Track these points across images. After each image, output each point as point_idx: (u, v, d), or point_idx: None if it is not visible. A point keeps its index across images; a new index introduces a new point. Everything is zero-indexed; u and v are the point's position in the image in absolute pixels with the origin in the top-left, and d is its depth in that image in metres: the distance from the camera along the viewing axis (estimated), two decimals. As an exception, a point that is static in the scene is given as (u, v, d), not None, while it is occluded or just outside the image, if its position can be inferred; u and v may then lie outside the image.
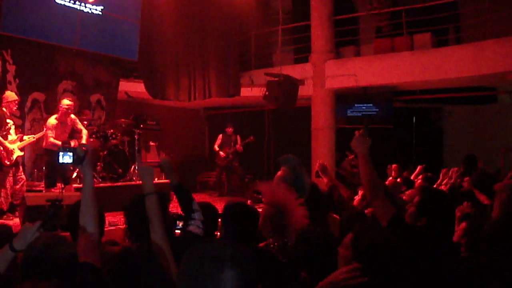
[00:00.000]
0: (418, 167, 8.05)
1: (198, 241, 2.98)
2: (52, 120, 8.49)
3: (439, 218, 3.13)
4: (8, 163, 7.60)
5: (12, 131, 7.84)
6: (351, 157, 10.34)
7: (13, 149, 7.68)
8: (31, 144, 8.60)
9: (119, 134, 10.24)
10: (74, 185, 8.74)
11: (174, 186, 3.32)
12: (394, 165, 8.57)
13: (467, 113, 14.43)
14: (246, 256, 1.48)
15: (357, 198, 5.31)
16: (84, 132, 8.90)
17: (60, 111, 8.56)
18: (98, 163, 9.58)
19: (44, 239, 2.38)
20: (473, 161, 7.54)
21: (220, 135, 12.19)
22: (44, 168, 8.77)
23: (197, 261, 1.46)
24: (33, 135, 8.27)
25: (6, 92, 8.04)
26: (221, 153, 11.97)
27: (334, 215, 4.65)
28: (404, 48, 11.08)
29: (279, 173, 4.43)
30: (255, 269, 1.48)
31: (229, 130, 12.12)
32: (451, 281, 2.59)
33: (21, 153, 7.96)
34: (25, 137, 8.07)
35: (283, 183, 4.12)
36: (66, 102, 8.65)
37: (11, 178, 7.72)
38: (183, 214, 3.31)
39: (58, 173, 8.46)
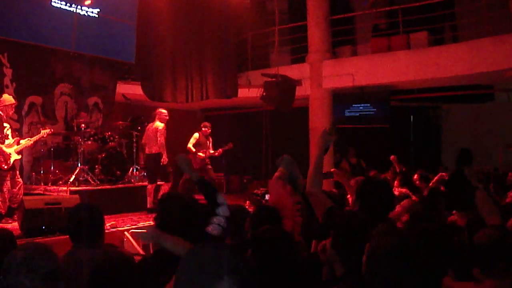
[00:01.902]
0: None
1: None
2: (162, 126, 9.47)
3: (371, 204, 3.23)
4: (5, 167, 7.56)
5: (9, 135, 7.80)
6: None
7: (10, 153, 7.65)
8: (29, 147, 8.58)
9: (117, 137, 10.25)
10: (72, 188, 8.76)
11: (197, 180, 3.31)
12: (392, 156, 8.72)
13: (464, 111, 14.47)
14: (244, 264, 1.44)
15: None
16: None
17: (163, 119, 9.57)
18: (97, 166, 9.58)
19: (25, 249, 2.34)
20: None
21: (197, 134, 10.83)
22: (150, 166, 9.60)
23: (193, 268, 1.41)
24: (29, 138, 8.23)
25: (3, 96, 7.99)
26: (200, 154, 10.59)
27: None
28: (401, 47, 11.07)
29: (276, 173, 4.52)
30: (254, 277, 1.43)
31: (206, 130, 10.96)
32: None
33: (19, 157, 7.91)
34: (21, 141, 8.03)
35: (287, 185, 4.26)
36: (164, 111, 9.68)
37: (9, 182, 7.67)
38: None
39: (159, 172, 9.45)
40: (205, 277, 1.38)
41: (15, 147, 7.78)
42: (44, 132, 8.32)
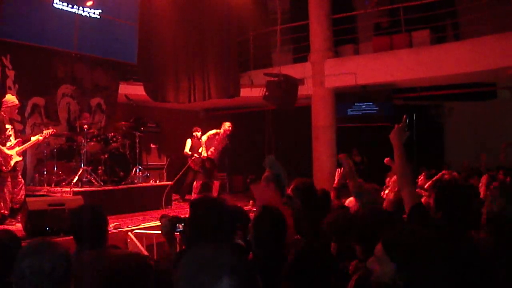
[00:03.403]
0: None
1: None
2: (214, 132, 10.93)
3: (453, 211, 3.16)
4: (5, 169, 7.56)
5: (11, 136, 7.80)
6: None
7: (12, 154, 7.65)
8: (33, 148, 8.59)
9: (119, 137, 10.24)
10: (75, 189, 8.76)
11: None
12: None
13: (467, 109, 14.45)
14: (245, 264, 1.45)
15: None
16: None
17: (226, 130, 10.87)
18: (100, 166, 9.59)
19: (35, 246, 2.33)
20: None
21: (190, 140, 11.32)
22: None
23: (194, 268, 1.41)
24: (32, 137, 8.23)
25: (6, 96, 7.96)
26: (196, 155, 10.97)
27: None
28: (403, 45, 11.07)
29: (264, 174, 4.68)
30: (255, 278, 1.43)
31: (196, 135, 11.33)
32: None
33: (20, 158, 7.89)
34: (24, 144, 8.03)
35: (271, 183, 4.40)
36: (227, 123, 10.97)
37: (10, 183, 7.67)
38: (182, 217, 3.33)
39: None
40: (205, 277, 1.38)
41: (17, 148, 7.78)
42: (47, 132, 8.33)
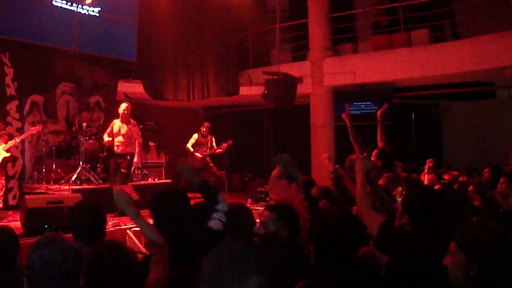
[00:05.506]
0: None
1: (219, 237, 3.00)
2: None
3: (420, 215, 2.93)
4: None
5: None
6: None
7: None
8: (31, 146, 8.62)
9: (118, 135, 10.23)
10: (74, 187, 8.77)
11: (198, 186, 3.26)
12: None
13: (465, 109, 14.44)
14: (274, 261, 1.44)
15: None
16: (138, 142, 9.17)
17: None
18: (98, 164, 9.59)
19: (47, 239, 2.36)
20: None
21: (197, 134, 11.06)
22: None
23: (221, 266, 1.40)
24: (16, 139, 8.30)
25: None
26: (198, 154, 10.86)
27: None
28: (402, 44, 11.07)
29: (274, 172, 4.55)
30: (283, 275, 1.43)
31: (205, 131, 11.04)
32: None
33: (7, 155, 8.02)
34: (9, 141, 8.11)
35: (283, 180, 4.28)
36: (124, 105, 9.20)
37: (3, 178, 7.82)
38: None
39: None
40: (234, 274, 1.37)
41: (3, 145, 7.87)
42: (33, 129, 8.42)
